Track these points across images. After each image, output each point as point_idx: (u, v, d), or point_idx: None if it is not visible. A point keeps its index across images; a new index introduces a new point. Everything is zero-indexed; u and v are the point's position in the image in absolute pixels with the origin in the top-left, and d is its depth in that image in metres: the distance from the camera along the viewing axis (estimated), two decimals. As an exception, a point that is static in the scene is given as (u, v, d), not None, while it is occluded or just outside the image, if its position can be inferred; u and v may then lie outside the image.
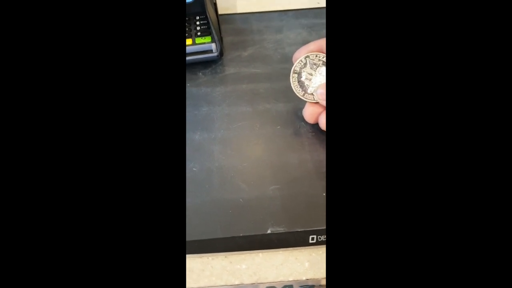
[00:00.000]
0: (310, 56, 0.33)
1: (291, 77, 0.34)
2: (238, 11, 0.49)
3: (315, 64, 0.33)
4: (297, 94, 0.33)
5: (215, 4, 0.46)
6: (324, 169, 0.32)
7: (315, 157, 0.33)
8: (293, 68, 0.34)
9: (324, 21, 0.47)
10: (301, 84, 0.33)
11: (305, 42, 0.45)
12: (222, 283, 0.27)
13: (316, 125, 0.35)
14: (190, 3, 0.42)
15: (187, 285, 0.27)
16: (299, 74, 0.34)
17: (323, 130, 0.34)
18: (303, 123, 0.36)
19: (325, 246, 0.29)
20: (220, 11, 0.47)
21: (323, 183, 0.31)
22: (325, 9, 0.49)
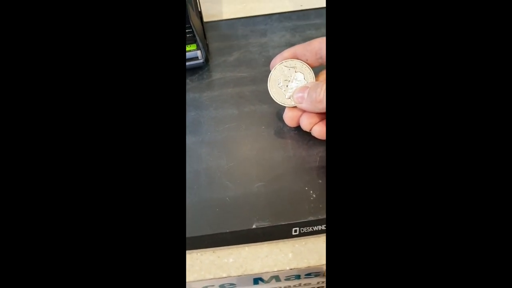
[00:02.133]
0: (284, 63, 0.35)
1: (268, 85, 0.35)
2: (224, 18, 0.51)
3: (289, 70, 0.35)
4: (276, 101, 0.35)
5: (200, 12, 0.47)
6: (306, 165, 0.34)
7: (297, 154, 0.35)
8: (269, 76, 0.36)
9: (306, 22, 0.49)
10: (278, 90, 0.35)
11: (288, 43, 0.47)
12: (211, 277, 0.29)
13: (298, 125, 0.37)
14: (174, 14, 0.43)
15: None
16: (276, 81, 0.35)
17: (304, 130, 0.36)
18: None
19: (307, 237, 0.30)
20: (205, 18, 0.49)
21: (305, 178, 0.33)
22: (307, 11, 0.51)
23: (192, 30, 0.43)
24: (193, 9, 0.44)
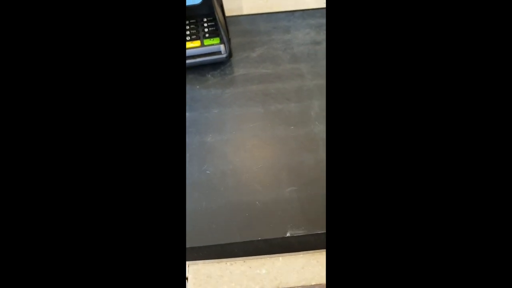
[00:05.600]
0: None
1: None
2: (244, 13, 0.49)
3: None
4: None
5: (221, 6, 0.45)
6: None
7: (331, 157, 0.32)
8: None
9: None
10: None
11: (314, 41, 0.45)
12: (242, 289, 0.26)
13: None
14: (198, 5, 0.41)
15: (205, 292, 0.26)
16: None
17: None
18: (316, 122, 0.35)
19: (347, 248, 0.28)
20: (226, 13, 0.47)
21: (341, 184, 0.30)
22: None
23: (217, 22, 0.40)
24: (217, 1, 0.42)
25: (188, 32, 0.40)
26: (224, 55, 0.40)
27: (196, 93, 0.38)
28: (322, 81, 0.39)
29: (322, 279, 0.27)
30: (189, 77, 0.40)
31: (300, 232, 0.28)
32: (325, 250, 0.28)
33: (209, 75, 0.40)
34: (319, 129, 0.35)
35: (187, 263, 0.27)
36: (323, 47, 0.43)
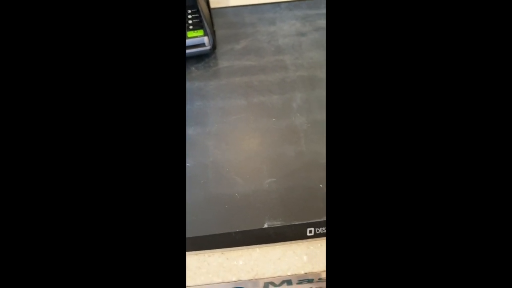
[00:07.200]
0: None
1: None
2: (231, 5, 0.49)
3: None
4: None
5: (206, -3, 0.45)
6: (321, 161, 0.32)
7: (311, 148, 0.33)
8: None
9: (317, 11, 0.46)
10: None
11: (299, 33, 0.45)
12: (219, 280, 0.27)
13: (311, 117, 0.34)
14: (180, -4, 0.41)
15: (184, 282, 0.27)
16: None
17: (319, 122, 0.34)
18: (298, 114, 0.35)
19: (323, 238, 0.28)
20: (212, 5, 0.47)
21: (320, 175, 0.31)
22: (317, 0, 0.48)
23: (200, 14, 0.40)
24: (200, -7, 0.41)
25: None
26: (208, 47, 0.40)
27: (179, 85, 0.38)
28: (305, 73, 0.39)
29: (298, 270, 0.27)
30: (173, 70, 0.40)
31: (277, 223, 0.28)
32: (301, 241, 0.28)
33: (193, 68, 0.40)
34: (301, 121, 0.35)
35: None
36: (308, 38, 0.43)
